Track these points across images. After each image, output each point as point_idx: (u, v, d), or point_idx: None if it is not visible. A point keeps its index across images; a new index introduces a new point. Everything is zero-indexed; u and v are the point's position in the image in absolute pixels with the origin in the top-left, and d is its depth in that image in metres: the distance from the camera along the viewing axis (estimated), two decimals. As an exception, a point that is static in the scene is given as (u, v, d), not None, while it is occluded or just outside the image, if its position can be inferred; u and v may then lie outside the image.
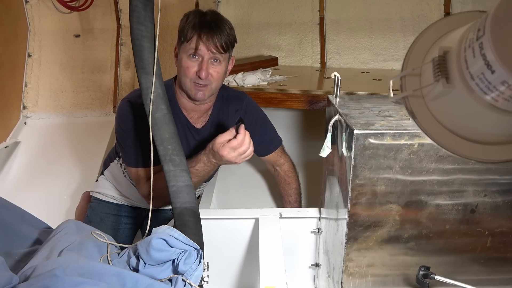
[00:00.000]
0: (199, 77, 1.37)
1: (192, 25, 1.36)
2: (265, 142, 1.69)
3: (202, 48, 1.36)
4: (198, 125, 1.53)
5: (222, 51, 1.38)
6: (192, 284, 0.95)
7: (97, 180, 1.76)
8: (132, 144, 1.43)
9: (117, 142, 1.52)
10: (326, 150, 1.15)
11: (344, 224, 1.04)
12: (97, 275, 0.91)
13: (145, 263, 0.99)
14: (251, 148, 1.27)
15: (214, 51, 1.37)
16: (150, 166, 1.43)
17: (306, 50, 2.61)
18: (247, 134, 1.26)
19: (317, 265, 1.43)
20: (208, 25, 1.36)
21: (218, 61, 1.40)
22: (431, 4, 2.46)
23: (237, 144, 1.25)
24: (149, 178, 1.44)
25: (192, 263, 0.97)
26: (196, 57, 1.38)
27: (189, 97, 1.43)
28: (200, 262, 0.98)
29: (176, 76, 1.50)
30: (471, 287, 0.96)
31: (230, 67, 1.49)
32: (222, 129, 1.56)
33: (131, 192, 1.65)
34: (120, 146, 1.49)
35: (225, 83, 1.85)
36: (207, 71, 1.37)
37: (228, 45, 1.40)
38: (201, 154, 1.36)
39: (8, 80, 2.48)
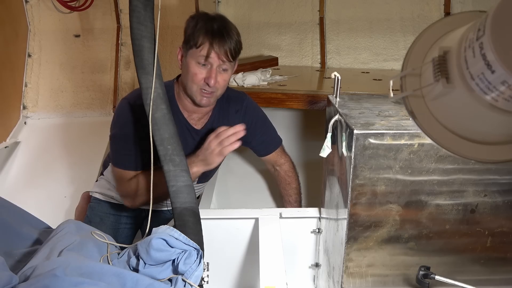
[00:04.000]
0: (208, 84, 1.36)
1: (204, 31, 1.34)
2: (265, 142, 1.69)
3: (213, 56, 1.35)
4: (198, 126, 1.53)
5: (231, 60, 1.39)
6: (192, 284, 0.95)
7: (97, 180, 1.76)
8: (127, 147, 1.44)
9: (110, 141, 1.51)
10: (326, 150, 1.15)
11: (344, 224, 1.04)
12: (97, 275, 0.91)
13: (145, 263, 0.99)
14: (233, 139, 1.33)
15: (224, 59, 1.37)
16: (143, 169, 1.45)
17: (306, 50, 2.61)
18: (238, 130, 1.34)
19: (317, 265, 1.43)
20: (220, 33, 1.35)
21: (225, 69, 1.40)
22: (431, 4, 2.45)
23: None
24: (131, 179, 1.45)
25: (192, 263, 0.97)
26: (205, 64, 1.37)
27: (194, 102, 1.43)
28: (200, 262, 0.98)
29: (178, 77, 1.50)
30: (471, 287, 0.96)
31: (233, 72, 1.50)
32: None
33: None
34: (113, 146, 1.50)
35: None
36: (216, 79, 1.37)
37: (237, 53, 1.40)
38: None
39: (8, 80, 2.48)
